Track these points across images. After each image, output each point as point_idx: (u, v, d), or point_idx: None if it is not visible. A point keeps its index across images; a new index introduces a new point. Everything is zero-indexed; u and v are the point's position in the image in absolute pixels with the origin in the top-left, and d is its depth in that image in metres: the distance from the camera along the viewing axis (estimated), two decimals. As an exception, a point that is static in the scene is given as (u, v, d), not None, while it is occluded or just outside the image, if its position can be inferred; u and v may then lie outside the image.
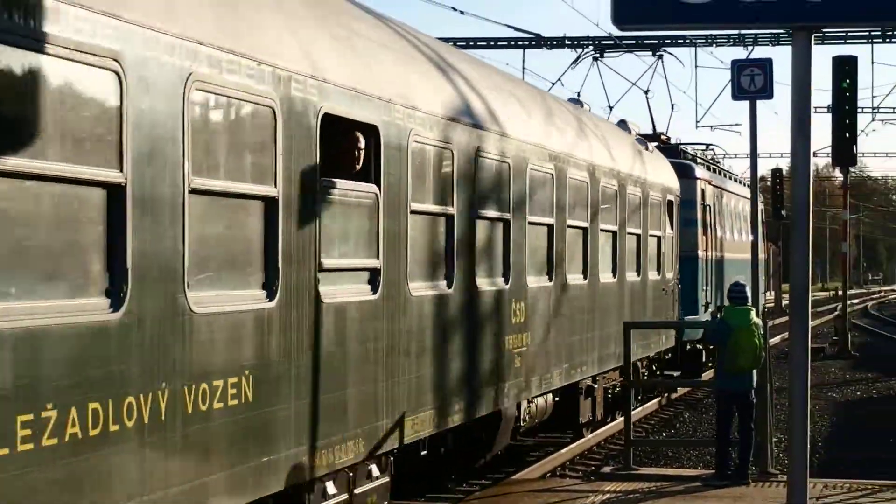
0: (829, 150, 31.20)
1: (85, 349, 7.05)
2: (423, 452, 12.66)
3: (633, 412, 18.15)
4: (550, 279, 16.33)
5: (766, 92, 16.42)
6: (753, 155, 17.23)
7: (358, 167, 10.77)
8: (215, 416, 8.33)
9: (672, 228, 24.07)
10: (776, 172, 54.19)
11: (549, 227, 16.38)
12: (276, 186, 9.11)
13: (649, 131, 29.66)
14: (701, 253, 28.37)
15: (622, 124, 24.31)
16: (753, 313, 15.90)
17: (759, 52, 45.50)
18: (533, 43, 43.90)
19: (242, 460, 8.71)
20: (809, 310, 8.09)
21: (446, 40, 41.72)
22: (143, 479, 7.56)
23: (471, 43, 43.92)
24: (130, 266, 7.40)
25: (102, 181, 7.25)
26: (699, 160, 31.25)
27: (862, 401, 26.83)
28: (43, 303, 6.78)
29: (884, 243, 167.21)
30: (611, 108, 33.67)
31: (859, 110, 41.70)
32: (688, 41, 44.27)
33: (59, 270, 6.99)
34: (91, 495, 7.10)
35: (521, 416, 16.13)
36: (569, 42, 44.02)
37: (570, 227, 17.20)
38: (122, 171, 7.35)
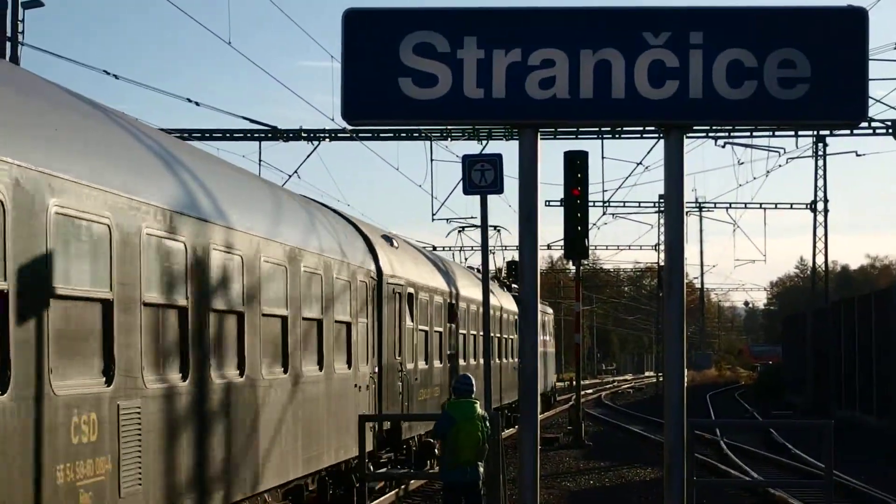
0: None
1: None
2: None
3: (369, 506, 18.04)
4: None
5: (497, 186, 16.66)
6: (485, 248, 17.46)
7: None
8: None
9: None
10: (511, 265, 55.07)
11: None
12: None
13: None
14: None
15: (471, 269, 40.38)
16: (478, 405, 16.05)
17: (494, 146, 46.39)
18: (269, 135, 43.94)
19: None
20: (539, 399, 8.18)
21: (181, 132, 41.47)
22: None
23: (206, 135, 43.69)
24: None
25: None
26: (513, 287, 46.19)
27: (595, 489, 27.24)
28: None
29: (616, 334, 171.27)
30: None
31: (591, 204, 42.84)
32: (423, 135, 44.86)
33: None
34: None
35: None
36: (305, 135, 44.21)
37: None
38: None
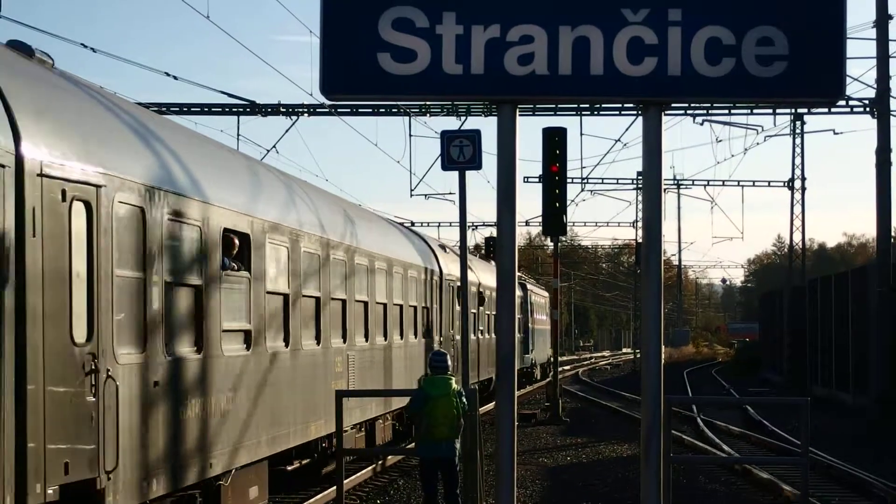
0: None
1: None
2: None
3: (345, 480, 18.07)
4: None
5: (475, 163, 16.68)
6: (463, 224, 17.47)
7: None
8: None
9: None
10: (489, 241, 55.16)
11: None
12: None
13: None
14: (529, 325, 57.17)
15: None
16: (454, 381, 16.10)
17: (473, 122, 46.39)
18: (248, 110, 43.84)
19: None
20: (515, 375, 8.19)
21: (160, 105, 41.35)
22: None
23: (185, 108, 43.54)
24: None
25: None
26: (523, 277, 59.92)
27: (572, 465, 27.35)
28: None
29: (594, 311, 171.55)
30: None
31: (569, 181, 42.85)
32: (401, 110, 44.80)
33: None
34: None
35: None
36: (283, 109, 44.12)
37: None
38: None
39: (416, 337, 28.57)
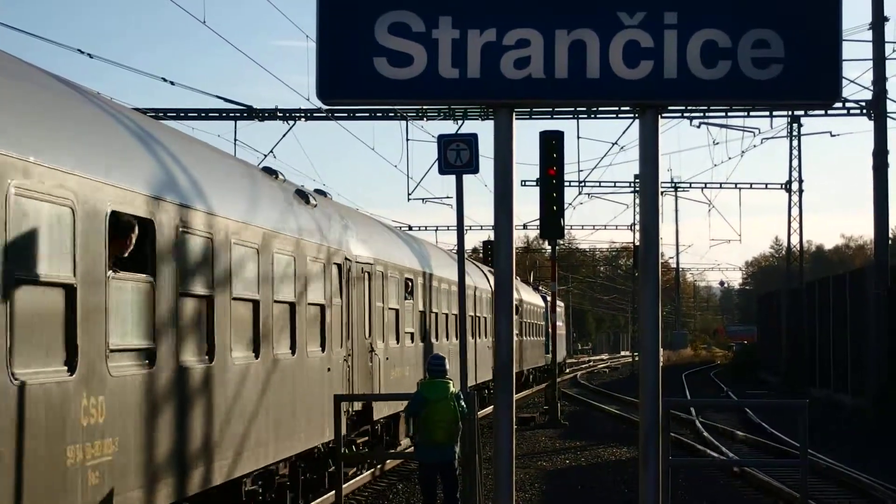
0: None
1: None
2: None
3: (344, 485, 18.06)
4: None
5: (472, 166, 16.65)
6: (460, 228, 17.45)
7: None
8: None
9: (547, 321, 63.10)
10: (487, 245, 55.21)
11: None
12: None
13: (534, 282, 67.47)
14: (549, 330, 61.00)
15: (536, 288, 68.08)
16: (451, 385, 16.08)
17: (470, 125, 46.36)
18: (245, 114, 43.81)
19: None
20: (514, 379, 8.20)
21: (157, 111, 41.34)
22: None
23: (182, 114, 43.50)
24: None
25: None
26: (544, 291, 66.27)
27: (571, 469, 27.33)
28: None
29: (592, 314, 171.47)
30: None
31: (567, 184, 42.88)
32: (398, 115, 44.81)
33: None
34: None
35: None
36: (280, 114, 44.11)
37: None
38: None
39: (481, 338, 40.27)
